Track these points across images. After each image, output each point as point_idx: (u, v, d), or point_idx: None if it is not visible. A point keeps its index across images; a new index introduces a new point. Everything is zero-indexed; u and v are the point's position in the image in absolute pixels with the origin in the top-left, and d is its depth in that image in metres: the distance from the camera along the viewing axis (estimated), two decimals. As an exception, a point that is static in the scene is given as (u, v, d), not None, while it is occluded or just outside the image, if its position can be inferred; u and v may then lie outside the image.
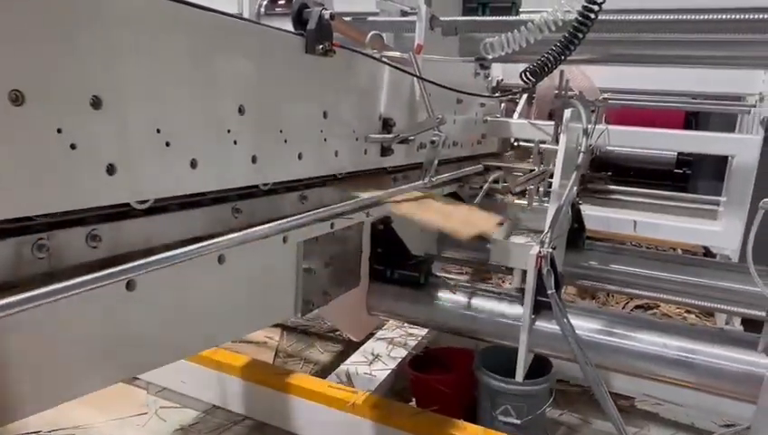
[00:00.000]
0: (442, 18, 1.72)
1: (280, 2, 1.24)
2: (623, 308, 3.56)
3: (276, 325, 3.30)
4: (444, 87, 1.61)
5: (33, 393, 0.79)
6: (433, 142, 1.49)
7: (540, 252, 1.60)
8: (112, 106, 0.78)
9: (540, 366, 2.21)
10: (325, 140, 1.32)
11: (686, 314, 3.52)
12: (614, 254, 2.29)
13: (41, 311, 0.69)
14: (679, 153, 5.05)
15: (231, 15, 0.99)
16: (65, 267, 0.78)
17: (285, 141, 1.18)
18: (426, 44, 1.79)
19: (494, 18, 1.84)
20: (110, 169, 0.79)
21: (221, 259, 1.05)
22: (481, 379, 2.15)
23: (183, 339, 1.04)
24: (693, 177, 5.06)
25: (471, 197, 2.52)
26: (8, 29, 0.65)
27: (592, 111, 2.10)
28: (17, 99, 0.66)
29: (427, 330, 2.76)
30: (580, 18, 1.38)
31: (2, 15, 0.64)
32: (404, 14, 2.08)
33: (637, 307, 3.57)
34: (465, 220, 1.61)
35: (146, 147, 0.85)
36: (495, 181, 2.03)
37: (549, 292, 1.58)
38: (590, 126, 1.87)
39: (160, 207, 0.92)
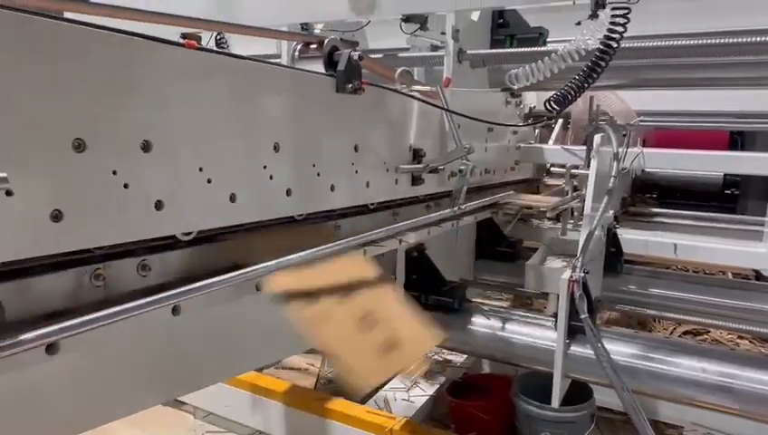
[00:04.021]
0: (469, 51, 1.79)
1: (312, 46, 1.33)
2: (670, 334, 3.45)
3: (318, 352, 3.36)
4: (469, 117, 1.67)
5: (86, 411, 0.87)
6: (461, 171, 1.54)
7: (572, 276, 1.61)
8: (160, 149, 0.87)
9: (581, 392, 2.18)
10: (356, 172, 1.39)
11: (738, 341, 3.39)
12: (653, 278, 2.26)
13: (96, 334, 0.77)
14: (726, 174, 4.90)
15: (266, 62, 1.09)
16: (119, 294, 0.86)
17: (318, 175, 1.26)
18: (456, 76, 1.86)
19: (519, 50, 1.89)
20: (158, 205, 0.88)
21: (258, 286, 1.12)
22: (518, 405, 2.13)
23: (224, 362, 1.11)
24: (741, 197, 4.89)
25: (506, 223, 2.55)
26: (74, 86, 0.75)
27: (624, 135, 2.11)
28: (80, 146, 0.76)
29: (465, 356, 2.76)
30: (601, 47, 1.42)
31: (69, 75, 0.74)
32: (434, 48, 2.16)
33: (685, 333, 3.46)
34: (385, 350, 1.09)
35: (190, 184, 0.93)
36: (529, 207, 2.05)
37: (582, 316, 1.58)
38: (621, 150, 1.88)
39: (203, 237, 1.01)
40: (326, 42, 1.27)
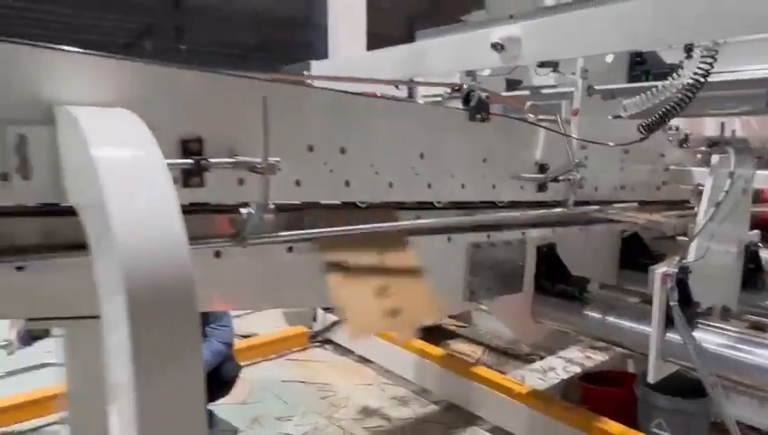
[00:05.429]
0: (597, 87, 2.21)
1: (456, 89, 1.95)
2: None
3: (481, 344, 3.89)
4: (584, 141, 2.10)
5: (301, 289, 1.60)
6: (569, 180, 1.99)
7: (665, 271, 1.93)
8: (350, 153, 1.58)
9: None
10: (484, 176, 1.96)
11: None
12: (793, 296, 2.32)
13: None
14: None
15: (416, 102, 1.74)
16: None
17: (452, 176, 1.86)
18: (586, 107, 2.29)
19: (632, 85, 2.23)
20: (347, 184, 1.59)
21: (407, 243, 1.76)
22: (639, 392, 2.40)
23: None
24: None
25: (652, 240, 2.81)
26: (309, 119, 1.49)
27: (759, 158, 2.28)
28: (311, 149, 1.50)
29: (606, 356, 3.03)
30: (690, 82, 1.75)
31: (308, 114, 1.48)
32: (581, 84, 2.59)
33: None
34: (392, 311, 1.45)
35: (364, 174, 1.62)
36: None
37: (671, 304, 1.89)
38: (740, 170, 2.09)
39: (372, 206, 1.69)
40: (464, 87, 1.88)
